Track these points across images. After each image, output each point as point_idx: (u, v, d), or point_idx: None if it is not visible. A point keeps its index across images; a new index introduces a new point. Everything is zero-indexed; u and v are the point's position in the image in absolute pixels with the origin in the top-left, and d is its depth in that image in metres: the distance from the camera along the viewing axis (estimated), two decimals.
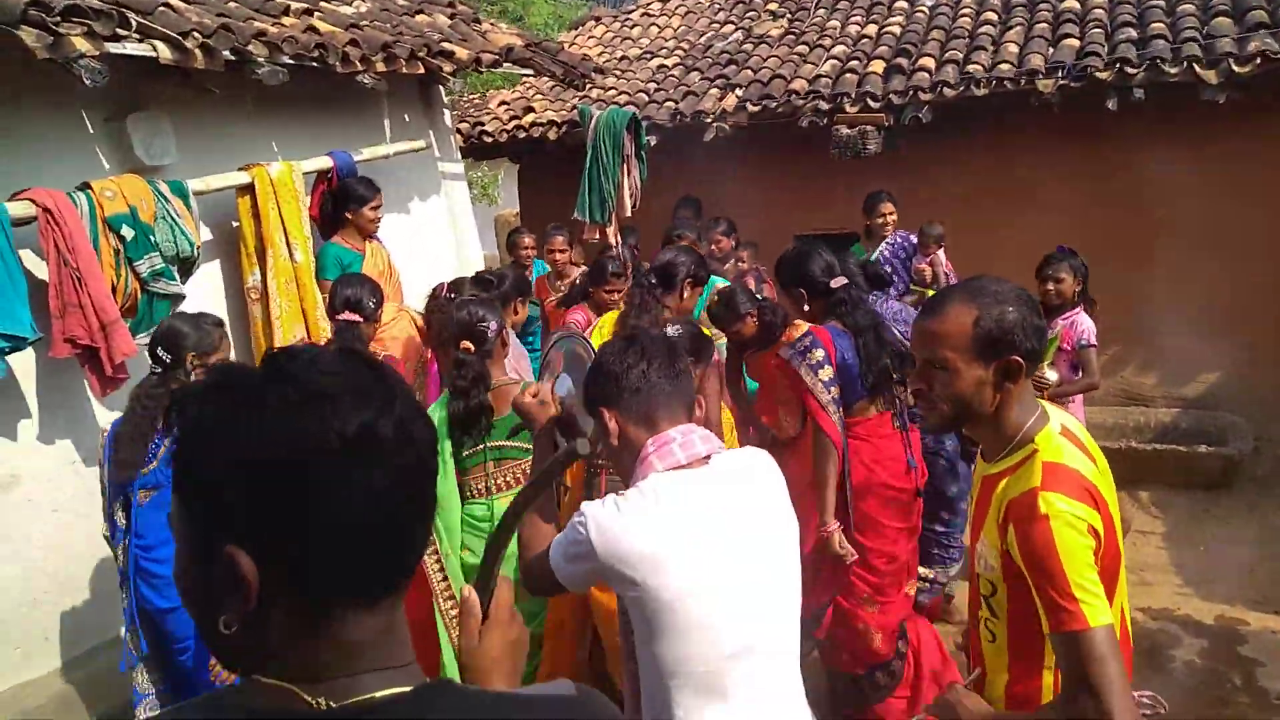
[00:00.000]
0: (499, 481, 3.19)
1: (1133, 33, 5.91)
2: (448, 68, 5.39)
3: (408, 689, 0.84)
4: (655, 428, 1.84)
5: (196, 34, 3.86)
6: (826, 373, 3.28)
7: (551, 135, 7.44)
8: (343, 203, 4.68)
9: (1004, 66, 6.02)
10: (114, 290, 3.70)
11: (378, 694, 0.82)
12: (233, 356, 3.71)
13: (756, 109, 6.72)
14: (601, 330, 3.74)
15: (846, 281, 3.44)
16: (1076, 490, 1.58)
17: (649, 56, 8.46)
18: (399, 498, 0.83)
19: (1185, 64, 5.44)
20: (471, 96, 10.13)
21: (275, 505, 0.78)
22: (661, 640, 1.69)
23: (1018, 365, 1.63)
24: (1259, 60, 5.26)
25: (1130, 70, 5.56)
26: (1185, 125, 5.88)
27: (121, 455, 3.03)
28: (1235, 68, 5.30)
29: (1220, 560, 4.79)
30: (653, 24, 9.37)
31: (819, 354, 3.30)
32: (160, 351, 3.08)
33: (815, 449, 3.30)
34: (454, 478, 3.15)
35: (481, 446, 3.15)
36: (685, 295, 3.78)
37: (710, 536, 1.73)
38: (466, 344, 3.08)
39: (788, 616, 1.83)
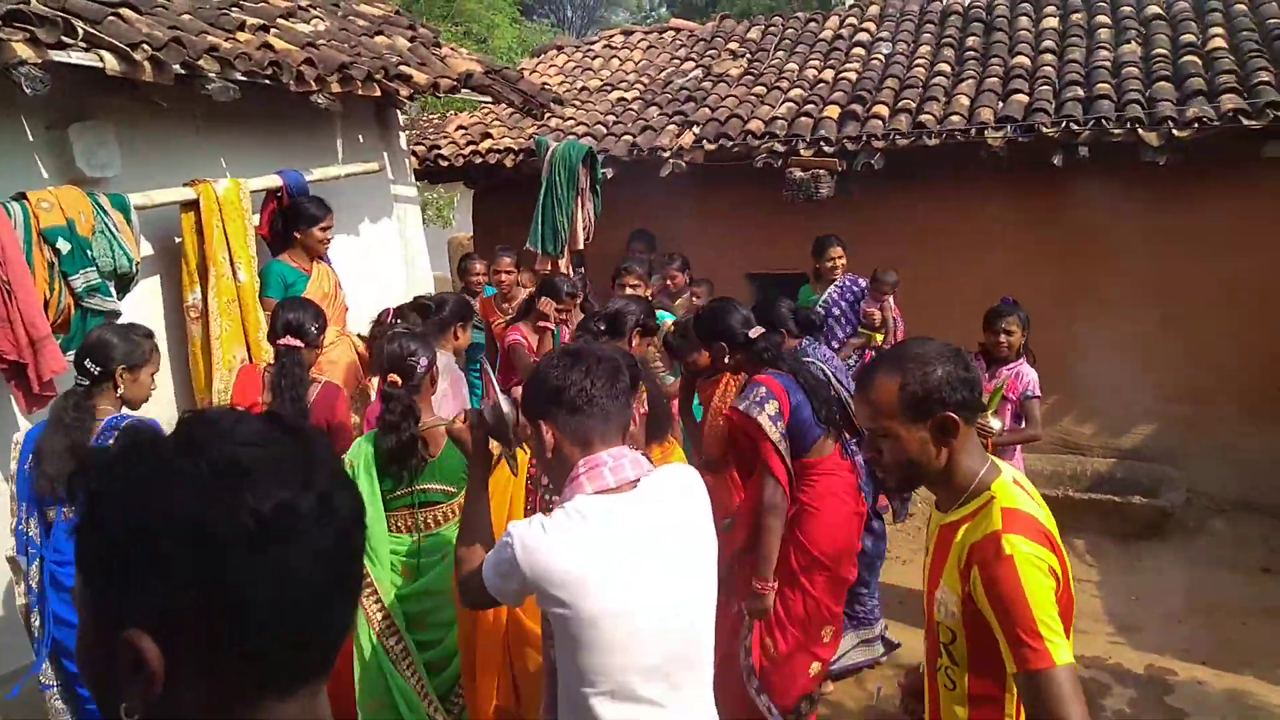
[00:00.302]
0: (424, 520, 3.16)
1: (1080, 91, 6.09)
2: (404, 91, 5.36)
3: None
4: (589, 448, 1.86)
5: (146, 46, 3.79)
6: (773, 406, 3.39)
7: (508, 162, 7.42)
8: (293, 222, 4.60)
9: (955, 118, 6.15)
10: (46, 305, 3.58)
11: None
12: (164, 369, 3.63)
13: (713, 147, 6.78)
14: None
15: (764, 331, 3.56)
16: (1036, 534, 1.65)
17: (609, 89, 8.51)
18: (319, 579, 0.78)
19: (1128, 125, 5.61)
20: (431, 117, 10.09)
21: (183, 588, 0.73)
22: (583, 655, 1.75)
23: (951, 421, 1.70)
24: (1197, 126, 5.44)
25: (1075, 128, 5.72)
26: (1129, 183, 6.04)
27: (46, 468, 2.91)
28: (1175, 131, 5.47)
29: (1151, 609, 4.88)
30: (614, 56, 9.43)
31: (762, 390, 3.42)
32: (88, 363, 2.99)
33: (764, 499, 3.33)
34: (381, 509, 3.09)
35: (407, 490, 3.10)
36: (634, 344, 3.83)
37: (634, 558, 1.79)
38: (394, 377, 3.04)
39: (705, 633, 1.91)
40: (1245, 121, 5.34)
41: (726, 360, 3.64)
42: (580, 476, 1.83)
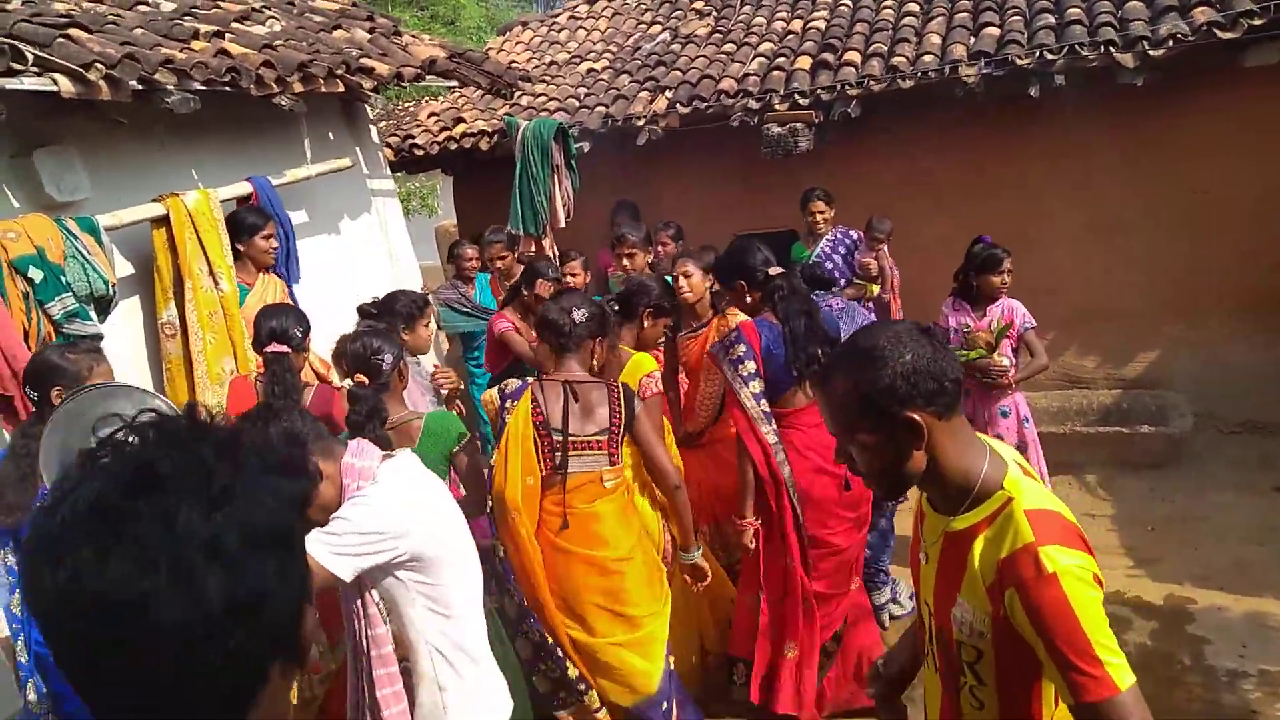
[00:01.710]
0: None
1: (1050, 19, 5.97)
2: (368, 84, 5.26)
3: None
4: None
5: (99, 65, 3.70)
6: (747, 368, 3.45)
7: (483, 145, 7.32)
8: (234, 234, 4.47)
9: (927, 58, 6.05)
10: (26, 336, 3.53)
11: None
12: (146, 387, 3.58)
13: (687, 110, 6.68)
14: (640, 365, 3.66)
15: (783, 271, 3.58)
16: (1071, 538, 1.48)
17: (578, 61, 8.39)
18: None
19: (1102, 48, 5.51)
20: (406, 105, 9.96)
21: None
22: (426, 604, 2.06)
23: (913, 423, 1.50)
24: (1171, 42, 5.34)
25: (1050, 56, 5.62)
26: (1108, 110, 5.96)
27: (7, 499, 2.88)
28: (1150, 50, 5.37)
29: (1166, 539, 4.86)
30: (580, 27, 9.30)
31: (741, 349, 3.48)
32: (27, 390, 2.96)
33: (738, 449, 3.46)
34: None
35: None
36: (646, 325, 3.81)
37: (442, 509, 2.19)
38: (360, 377, 3.06)
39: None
40: (1220, 34, 5.23)
41: (748, 300, 3.67)
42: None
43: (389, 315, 3.91)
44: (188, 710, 0.76)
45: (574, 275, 5.36)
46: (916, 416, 1.50)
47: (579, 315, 3.17)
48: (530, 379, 3.26)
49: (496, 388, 3.27)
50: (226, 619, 0.74)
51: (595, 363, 3.28)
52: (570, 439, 3.10)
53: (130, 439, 0.78)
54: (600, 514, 3.14)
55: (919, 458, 1.54)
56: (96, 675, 0.75)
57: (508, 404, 3.16)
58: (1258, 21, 5.12)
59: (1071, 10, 5.93)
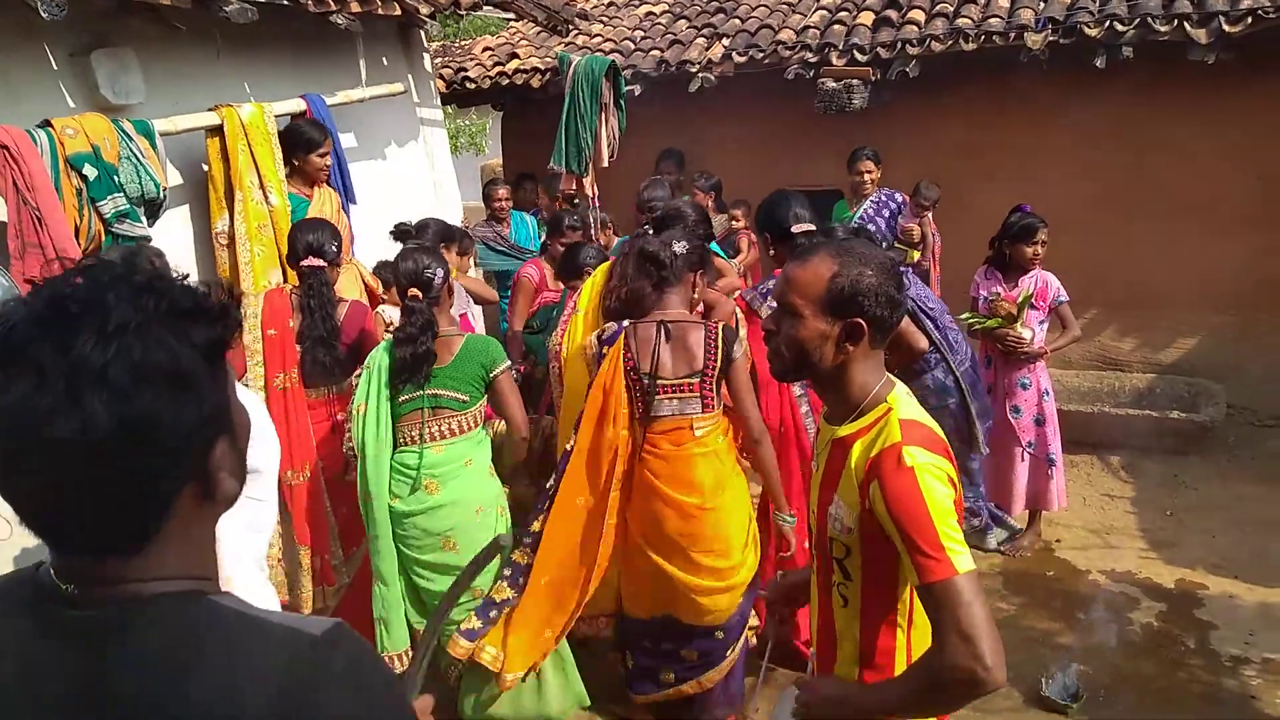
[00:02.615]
0: (432, 431, 3.21)
1: None
2: (425, 9, 5.28)
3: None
4: None
5: None
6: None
7: (535, 82, 7.31)
8: (290, 147, 4.54)
9: (993, 21, 5.91)
10: (77, 232, 3.64)
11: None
12: None
13: (743, 59, 6.61)
14: (595, 279, 3.70)
15: (811, 229, 3.48)
16: (934, 444, 1.62)
17: (636, 3, 8.30)
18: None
19: (1176, 22, 5.35)
20: (461, 42, 9.95)
21: None
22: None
23: (859, 327, 1.65)
24: (1251, 19, 5.17)
25: (1120, 28, 5.47)
26: (1175, 86, 5.80)
27: None
28: (1226, 26, 5.21)
29: (1186, 525, 4.84)
30: None
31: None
32: None
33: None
34: (387, 429, 3.19)
35: (420, 393, 3.17)
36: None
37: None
38: (414, 291, 3.12)
39: None
40: None
41: (771, 252, 3.61)
42: None
43: (423, 235, 4.01)
44: (94, 518, 0.88)
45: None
46: (863, 324, 1.65)
47: (679, 247, 3.06)
48: (626, 322, 3.11)
49: (594, 334, 3.18)
50: (116, 440, 0.83)
51: (696, 296, 3.20)
52: (659, 382, 2.99)
53: (63, 282, 0.89)
54: (691, 457, 3.02)
55: (832, 357, 1.69)
56: (10, 484, 0.87)
57: (604, 350, 3.07)
58: None
59: None
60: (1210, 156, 5.90)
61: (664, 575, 3.07)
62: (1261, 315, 5.92)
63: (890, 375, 1.76)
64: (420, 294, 3.13)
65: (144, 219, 3.94)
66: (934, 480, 1.55)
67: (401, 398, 3.19)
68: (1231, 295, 5.97)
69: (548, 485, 3.21)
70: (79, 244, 3.63)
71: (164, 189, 4.00)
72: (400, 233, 3.83)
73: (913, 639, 1.71)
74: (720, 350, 3.00)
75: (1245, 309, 5.94)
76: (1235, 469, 5.38)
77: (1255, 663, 3.67)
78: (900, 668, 1.71)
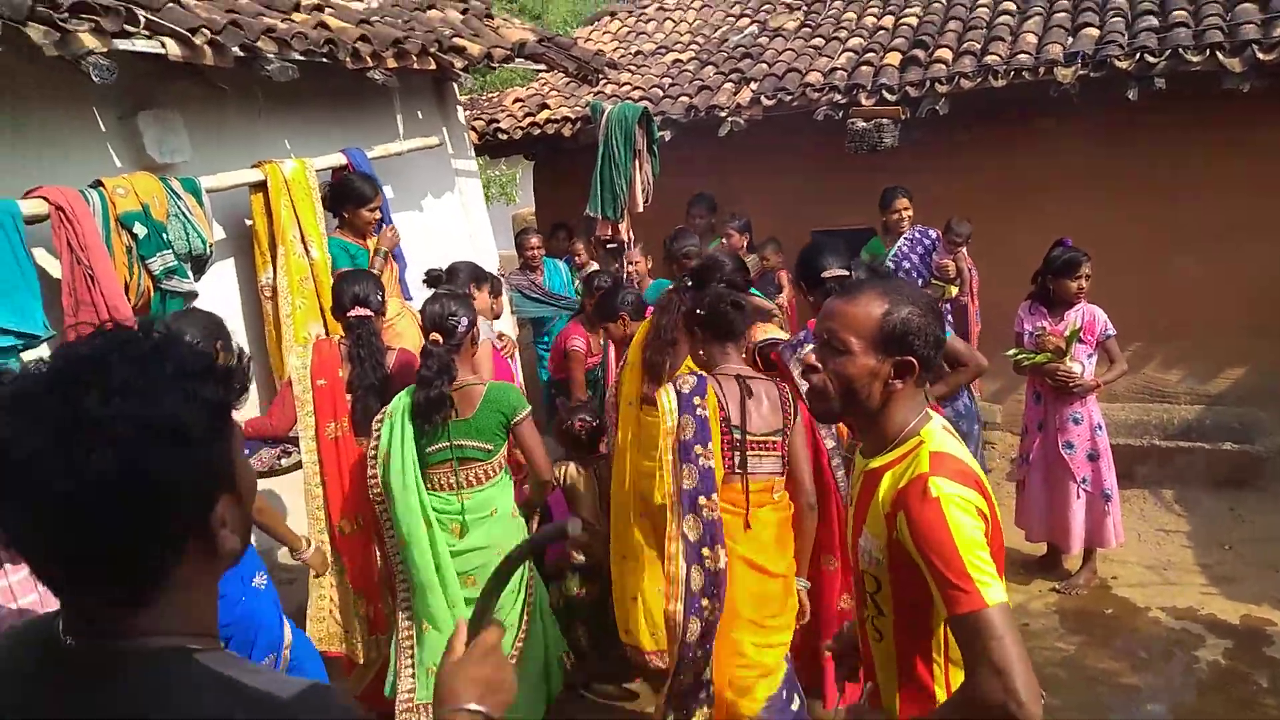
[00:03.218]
0: (466, 478, 3.26)
1: (1154, 21, 5.81)
2: (459, 63, 5.37)
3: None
4: None
5: (205, 30, 3.86)
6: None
7: (566, 131, 7.41)
8: (341, 200, 4.62)
9: (1022, 57, 5.93)
10: (127, 288, 3.70)
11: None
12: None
13: (771, 102, 6.66)
14: (641, 330, 3.69)
15: (842, 274, 3.45)
16: (962, 476, 1.60)
17: (664, 51, 8.42)
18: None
19: (1208, 52, 5.33)
20: (490, 95, 10.13)
21: None
22: None
23: (911, 365, 1.67)
24: None
25: (1151, 59, 5.46)
26: (1210, 116, 5.77)
27: None
28: (1260, 55, 5.18)
29: (1246, 559, 4.70)
30: (668, 18, 9.32)
31: (807, 349, 3.30)
32: None
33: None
34: (413, 472, 3.20)
35: (446, 444, 3.22)
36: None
37: None
38: (435, 335, 3.17)
39: None
40: None
41: (810, 300, 3.56)
42: None
43: (454, 278, 4.04)
44: (94, 571, 0.91)
45: (633, 263, 5.42)
46: (915, 362, 1.67)
47: (744, 302, 2.99)
48: (703, 375, 2.96)
49: (670, 387, 2.97)
50: (116, 493, 0.87)
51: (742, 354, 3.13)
52: (749, 438, 2.88)
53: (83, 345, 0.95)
54: (767, 522, 2.94)
55: (879, 395, 1.69)
56: (18, 533, 0.91)
57: (695, 400, 2.87)
58: None
59: (1176, 13, 5.76)
60: (1250, 183, 5.84)
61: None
62: None
63: (929, 410, 1.76)
64: (440, 339, 3.18)
65: (190, 274, 4.00)
66: (960, 511, 1.53)
67: (430, 448, 3.23)
68: (1275, 321, 5.86)
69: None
70: (129, 300, 3.69)
71: (210, 245, 4.07)
72: (431, 279, 3.88)
73: (950, 673, 1.68)
74: (794, 406, 2.95)
75: None
76: None
77: None
78: (939, 702, 1.67)
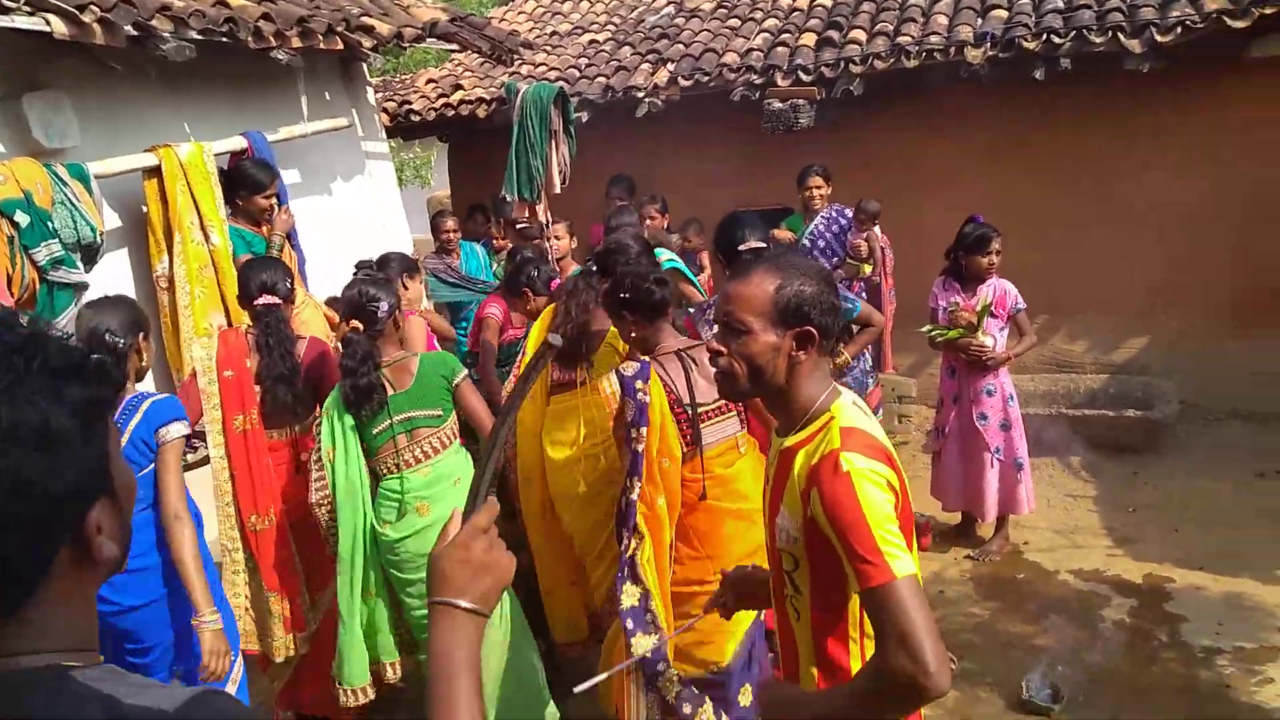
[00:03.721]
0: (408, 457, 3.20)
1: (1059, 3, 5.95)
2: (368, 43, 5.23)
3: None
4: None
5: (94, 7, 3.68)
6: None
7: (480, 113, 7.29)
8: (234, 187, 4.44)
9: (933, 38, 6.02)
10: (9, 280, 3.51)
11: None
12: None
13: (688, 83, 6.65)
14: (542, 317, 3.68)
15: (759, 246, 3.49)
16: (872, 450, 1.62)
17: (579, 31, 8.34)
18: None
19: (1110, 33, 5.49)
20: (403, 76, 9.91)
21: None
22: None
23: (811, 335, 1.69)
24: (1180, 29, 5.32)
25: (1057, 40, 5.60)
26: (1113, 96, 5.95)
27: None
28: (1158, 37, 5.35)
29: (1148, 521, 4.89)
30: None
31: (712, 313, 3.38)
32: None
33: None
34: (358, 460, 3.17)
35: (389, 422, 3.17)
36: None
37: None
38: (355, 323, 3.11)
39: None
40: (1230, 22, 5.22)
41: (726, 273, 3.58)
42: None
43: (387, 268, 3.97)
44: None
45: (558, 239, 5.34)
46: (814, 331, 1.69)
47: (664, 277, 3.03)
48: (646, 359, 2.97)
49: (614, 374, 3.00)
50: None
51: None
52: (701, 409, 2.89)
53: None
54: (739, 473, 2.97)
55: (783, 368, 1.71)
56: None
57: (637, 384, 2.86)
58: (1269, 11, 5.10)
59: None
60: (1148, 161, 6.04)
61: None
62: (1203, 313, 6.05)
63: (837, 385, 1.77)
64: (361, 325, 3.11)
65: (80, 265, 3.82)
66: (871, 485, 1.55)
67: (373, 430, 3.17)
68: (1176, 294, 6.10)
69: (622, 546, 2.92)
70: (11, 293, 3.51)
71: (101, 233, 3.89)
72: (365, 269, 3.79)
73: (865, 650, 1.69)
74: None
75: (1191, 306, 6.06)
76: (1190, 464, 5.46)
77: (1227, 652, 3.69)
78: None
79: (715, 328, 3.24)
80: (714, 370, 1.81)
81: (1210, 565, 4.32)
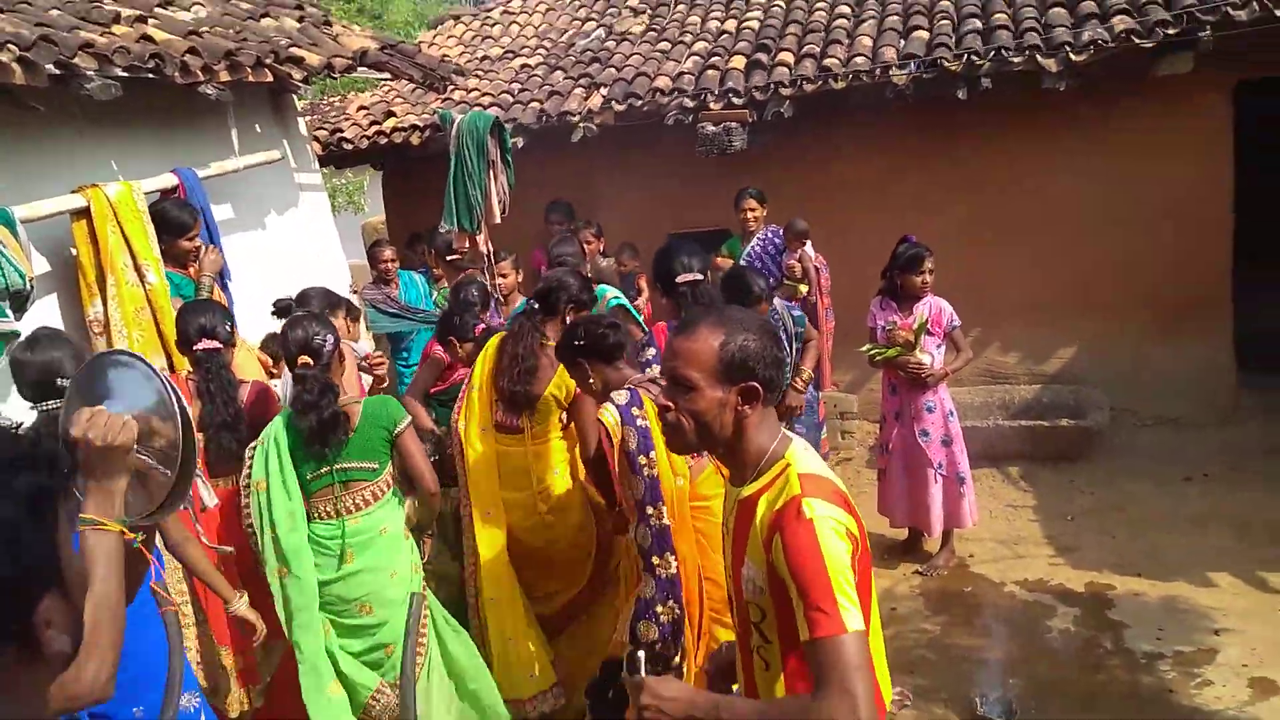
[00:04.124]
0: (347, 504, 3.17)
1: (978, 24, 6.15)
2: (297, 75, 5.15)
3: None
4: None
5: (12, 46, 3.56)
6: (653, 370, 3.38)
7: (415, 140, 7.23)
8: (158, 231, 4.28)
9: (859, 60, 6.16)
10: None
11: None
12: None
13: (622, 108, 6.69)
14: (486, 354, 3.66)
15: (696, 278, 3.58)
16: (833, 495, 1.64)
17: (511, 56, 8.33)
18: None
19: (1027, 53, 5.69)
20: (330, 99, 9.76)
21: None
22: None
23: (756, 390, 1.69)
24: (1093, 48, 5.54)
25: (977, 60, 5.77)
26: (1033, 114, 6.15)
27: None
28: (1073, 56, 5.56)
29: (1086, 528, 5.05)
30: (513, 22, 9.23)
31: (650, 353, 3.51)
32: (60, 383, 2.69)
33: None
34: (299, 501, 3.14)
35: (327, 469, 3.13)
36: (568, 320, 3.75)
37: None
38: (305, 359, 3.06)
39: None
40: (1138, 41, 5.45)
41: (663, 301, 3.68)
42: None
43: (303, 308, 3.88)
44: None
45: (504, 276, 5.33)
46: (758, 387, 1.69)
47: (618, 321, 3.14)
48: (632, 386, 2.97)
49: (609, 405, 2.93)
50: None
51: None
52: None
53: None
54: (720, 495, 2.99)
55: (730, 423, 1.71)
56: None
57: (633, 410, 2.86)
58: (1171, 31, 5.34)
59: (998, 15, 6.12)
60: (1069, 174, 6.27)
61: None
62: (1127, 320, 6.28)
63: (787, 431, 1.79)
64: (311, 362, 3.07)
65: (10, 313, 3.68)
66: (831, 534, 1.56)
67: (309, 475, 3.13)
68: (1102, 303, 6.31)
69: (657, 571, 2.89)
70: None
71: (30, 279, 3.74)
72: (280, 309, 3.71)
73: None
74: None
75: (1117, 315, 6.28)
76: (1123, 469, 5.66)
77: (1168, 657, 3.83)
78: None
79: (651, 366, 3.30)
80: (661, 424, 1.82)
81: (1146, 571, 4.48)
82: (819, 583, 1.51)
